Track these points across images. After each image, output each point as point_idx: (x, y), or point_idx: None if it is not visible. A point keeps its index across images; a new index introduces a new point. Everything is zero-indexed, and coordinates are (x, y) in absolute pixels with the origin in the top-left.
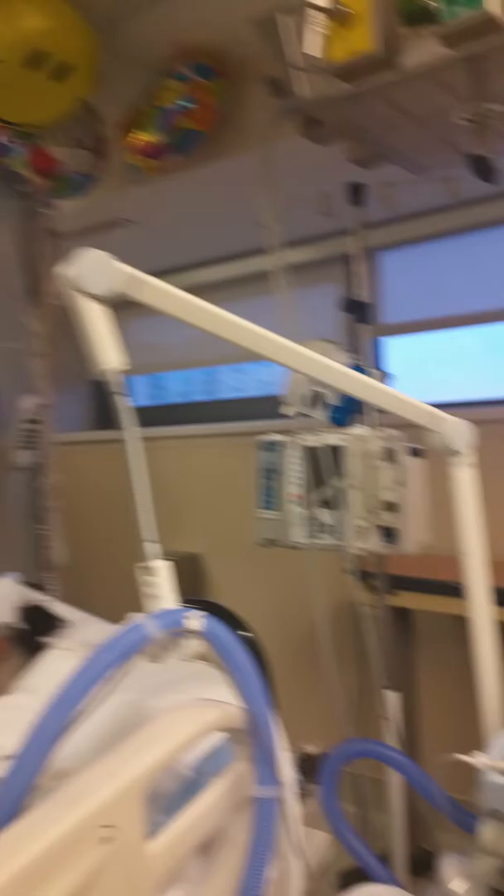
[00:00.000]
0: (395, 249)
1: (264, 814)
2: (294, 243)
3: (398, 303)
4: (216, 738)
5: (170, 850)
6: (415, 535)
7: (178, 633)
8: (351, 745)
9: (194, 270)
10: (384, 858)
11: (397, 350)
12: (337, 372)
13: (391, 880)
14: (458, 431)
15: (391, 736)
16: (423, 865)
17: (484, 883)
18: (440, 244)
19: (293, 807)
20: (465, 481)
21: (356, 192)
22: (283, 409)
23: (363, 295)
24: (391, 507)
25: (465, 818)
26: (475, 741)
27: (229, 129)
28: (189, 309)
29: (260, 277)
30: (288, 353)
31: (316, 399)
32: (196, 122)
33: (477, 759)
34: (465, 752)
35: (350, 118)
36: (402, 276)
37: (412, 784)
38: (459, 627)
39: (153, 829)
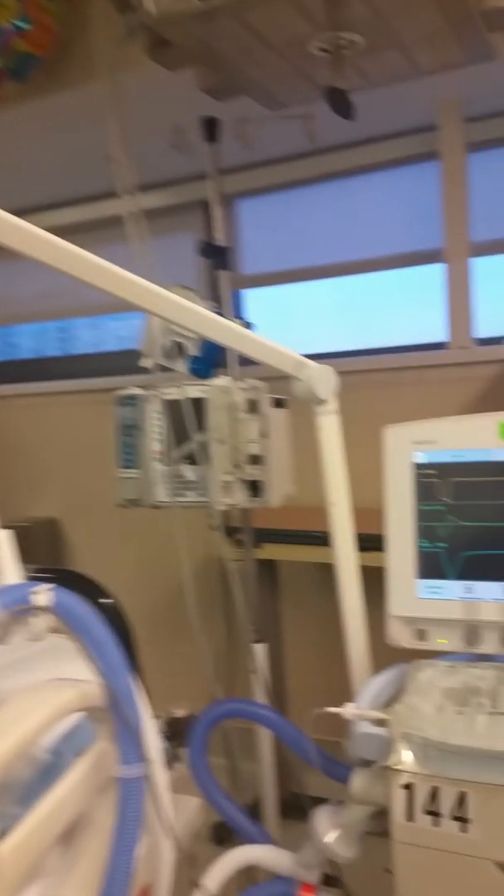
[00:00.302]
0: (253, 197)
1: (130, 794)
2: (149, 187)
3: (256, 254)
4: (75, 716)
5: (25, 847)
6: (279, 487)
7: (23, 610)
8: (218, 707)
9: (40, 213)
10: (255, 806)
11: (255, 302)
12: (202, 317)
13: (265, 839)
14: (322, 378)
15: (259, 688)
16: (293, 808)
17: (356, 830)
18: (299, 192)
19: (162, 784)
20: (331, 429)
21: (210, 128)
22: (142, 362)
23: (222, 239)
24: (255, 459)
25: (338, 769)
26: (340, 686)
27: (72, 56)
28: (25, 238)
29: (114, 223)
30: (148, 295)
31: (175, 350)
32: (33, 46)
33: (346, 710)
34: (331, 697)
35: (202, 40)
36: (259, 227)
37: (284, 740)
38: (321, 575)
39: (6, 824)
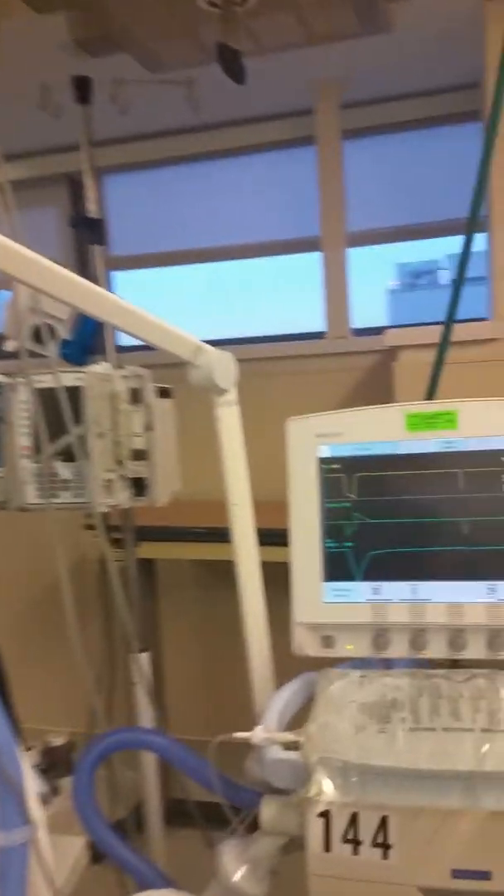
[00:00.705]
0: (123, 173)
1: (11, 865)
2: (11, 157)
3: (125, 235)
4: None
5: None
6: (166, 484)
7: None
8: (104, 741)
9: None
10: (138, 813)
11: (123, 286)
12: (91, 292)
13: (164, 883)
14: (222, 366)
15: (143, 701)
16: (177, 815)
17: (266, 865)
18: (173, 171)
19: (45, 846)
20: (231, 421)
21: (82, 88)
22: (6, 346)
23: (95, 212)
24: (139, 454)
25: (243, 796)
26: (223, 693)
27: None
28: None
29: None
30: (27, 265)
31: (47, 332)
32: None
33: (255, 735)
34: (214, 705)
35: None
36: (130, 205)
37: (181, 768)
38: (200, 573)
39: None
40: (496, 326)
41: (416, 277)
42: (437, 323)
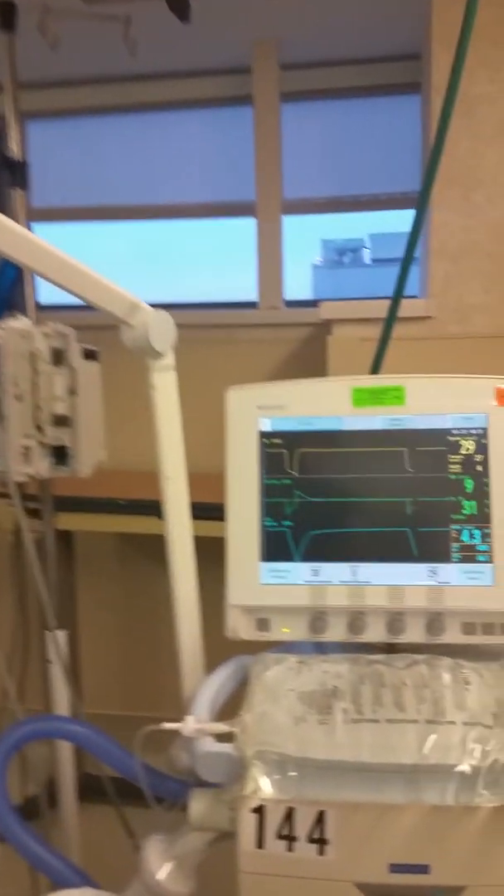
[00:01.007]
0: (46, 120)
1: None
2: None
3: (46, 185)
4: None
5: None
6: (90, 453)
7: None
8: (18, 730)
9: None
10: (50, 788)
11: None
12: (18, 235)
13: (82, 880)
14: (160, 326)
15: (59, 682)
16: (90, 790)
17: (192, 861)
18: (101, 121)
19: None
20: (167, 388)
21: (5, 14)
22: None
23: (18, 153)
24: (62, 420)
25: (168, 786)
26: (139, 666)
27: None
28: None
29: None
30: None
31: None
32: None
33: (186, 726)
34: (131, 678)
35: None
36: (52, 154)
37: (102, 758)
38: (120, 546)
39: None
40: (430, 304)
41: (340, 255)
42: (373, 298)
